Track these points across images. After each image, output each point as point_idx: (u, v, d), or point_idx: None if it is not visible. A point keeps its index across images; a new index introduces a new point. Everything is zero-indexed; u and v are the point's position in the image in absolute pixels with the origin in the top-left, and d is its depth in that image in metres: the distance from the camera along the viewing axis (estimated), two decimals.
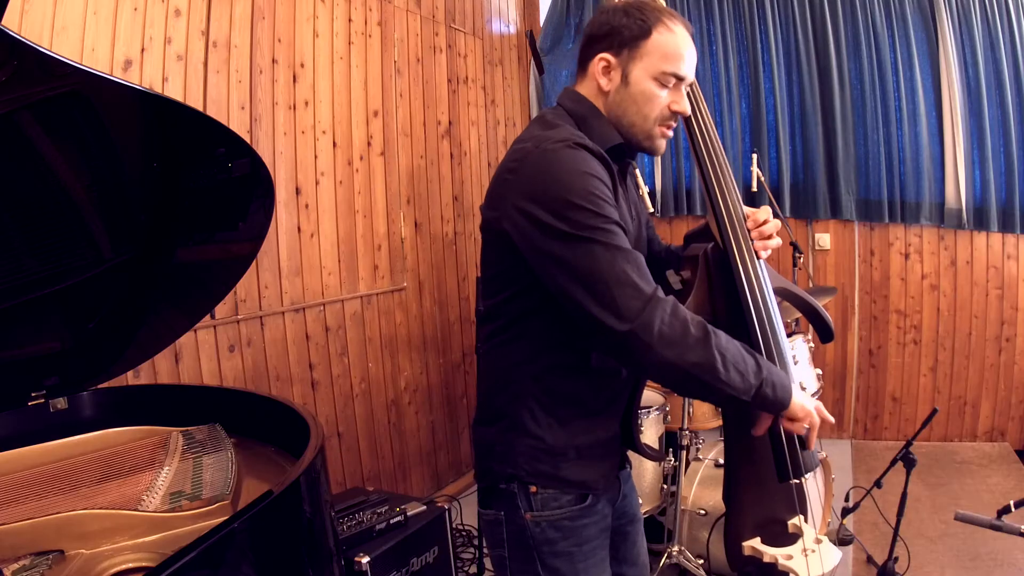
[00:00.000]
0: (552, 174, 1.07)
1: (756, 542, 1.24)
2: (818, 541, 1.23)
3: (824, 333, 1.37)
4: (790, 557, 1.20)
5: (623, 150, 1.21)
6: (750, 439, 1.23)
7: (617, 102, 1.20)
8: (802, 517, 1.27)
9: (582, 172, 1.07)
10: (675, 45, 1.17)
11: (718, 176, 1.26)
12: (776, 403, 1.09)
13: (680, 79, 1.18)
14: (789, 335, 2.15)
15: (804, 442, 1.18)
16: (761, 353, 1.18)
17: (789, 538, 1.26)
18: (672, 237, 4.03)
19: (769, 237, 1.27)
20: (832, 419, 1.19)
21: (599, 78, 1.20)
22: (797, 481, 1.22)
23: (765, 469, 1.22)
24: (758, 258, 1.25)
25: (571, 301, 1.06)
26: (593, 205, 1.05)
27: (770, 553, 1.21)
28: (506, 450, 1.20)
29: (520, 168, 1.11)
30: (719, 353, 1.03)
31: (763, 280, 1.22)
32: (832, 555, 1.22)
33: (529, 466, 1.19)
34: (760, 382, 1.06)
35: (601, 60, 1.19)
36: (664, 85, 1.18)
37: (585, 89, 1.24)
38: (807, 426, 1.14)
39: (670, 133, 1.23)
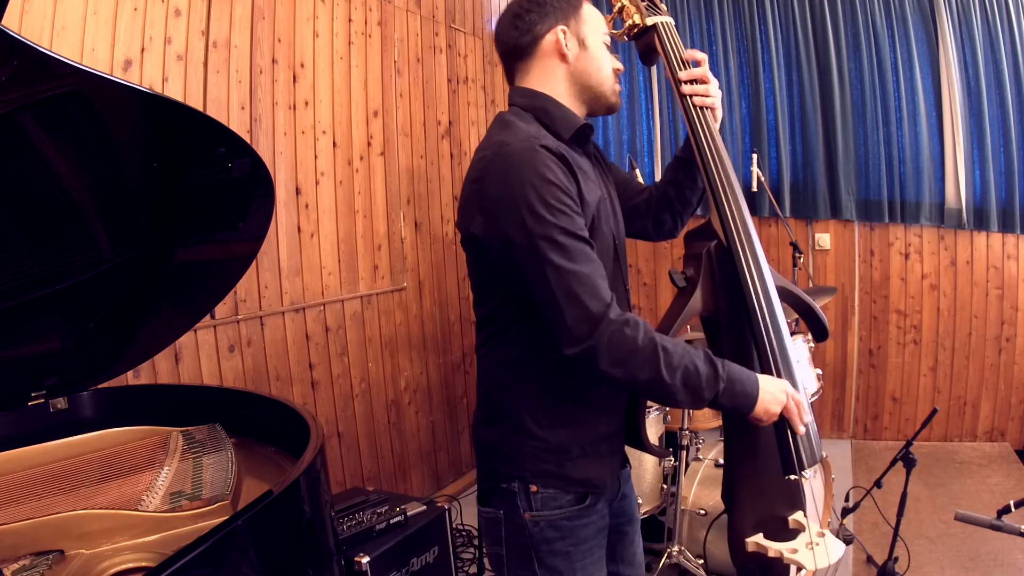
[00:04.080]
0: (511, 183, 1.08)
1: (759, 538, 1.24)
2: (821, 534, 1.23)
3: (818, 332, 1.38)
4: (795, 551, 1.20)
5: (587, 132, 1.26)
6: (749, 437, 1.23)
7: (582, 67, 1.25)
8: (802, 513, 1.27)
9: (542, 179, 1.08)
10: (597, 11, 1.30)
11: (720, 174, 1.26)
12: (735, 408, 1.12)
13: (610, 38, 1.31)
14: (790, 335, 2.16)
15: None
16: (764, 351, 1.19)
17: (791, 533, 1.26)
18: None
19: (702, 79, 1.30)
20: (807, 418, 1.19)
21: (562, 49, 1.23)
22: (795, 477, 1.22)
23: (765, 466, 1.23)
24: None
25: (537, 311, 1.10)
26: (551, 215, 1.06)
27: (775, 548, 1.21)
28: (511, 451, 1.21)
29: (483, 177, 1.13)
30: (667, 371, 1.06)
31: (766, 278, 1.22)
32: (837, 547, 1.22)
33: (533, 467, 1.19)
34: (715, 393, 1.09)
35: (561, 31, 1.23)
36: (607, 46, 1.28)
37: (535, 77, 1.26)
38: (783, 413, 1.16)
39: (620, 89, 1.32)
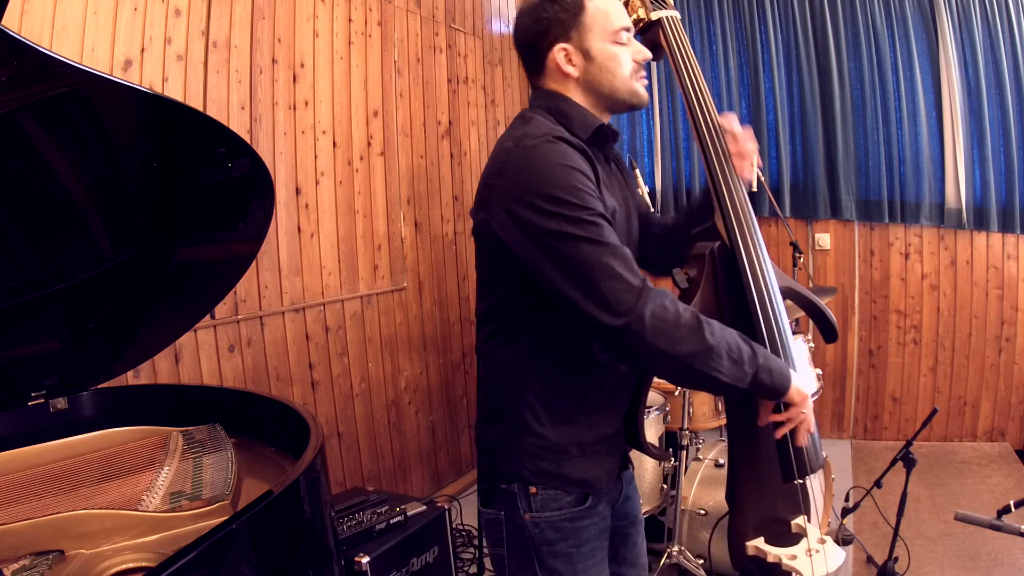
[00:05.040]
0: (534, 171, 1.08)
1: (760, 542, 1.23)
2: (822, 541, 1.23)
3: (828, 333, 1.37)
4: (794, 557, 1.20)
5: (605, 133, 1.24)
6: (753, 439, 1.23)
7: (591, 79, 1.22)
8: (805, 517, 1.26)
9: (563, 166, 1.08)
10: (606, 4, 1.22)
11: (724, 175, 1.26)
12: (773, 389, 1.10)
13: (628, 30, 1.24)
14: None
15: (794, 436, 1.17)
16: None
17: (792, 538, 1.25)
18: None
19: (748, 153, 1.29)
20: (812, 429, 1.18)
21: (564, 68, 1.21)
22: (801, 481, 1.21)
23: (768, 469, 1.22)
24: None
25: (564, 298, 1.07)
26: (576, 198, 1.06)
27: (774, 553, 1.21)
28: (510, 450, 1.20)
29: (503, 169, 1.12)
30: (712, 341, 1.04)
31: (769, 279, 1.22)
32: (836, 555, 1.21)
33: (532, 465, 1.19)
34: (756, 369, 1.07)
35: (560, 51, 1.21)
36: (620, 42, 1.22)
37: (549, 84, 1.25)
38: (799, 419, 1.14)
39: (646, 81, 1.27)
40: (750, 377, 1.07)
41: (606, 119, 1.27)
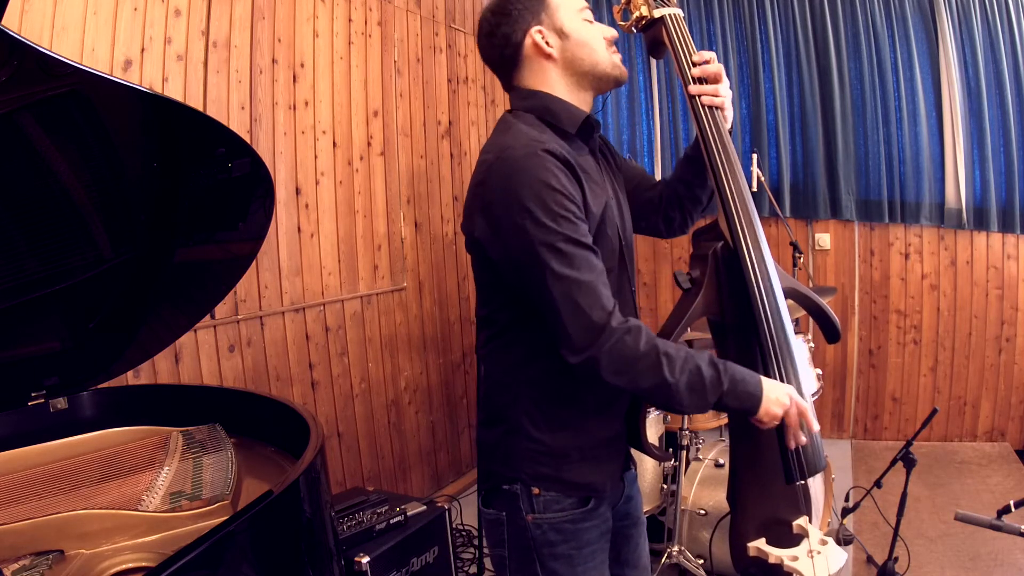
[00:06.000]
0: (513, 187, 1.07)
1: (761, 543, 1.23)
2: (823, 542, 1.22)
3: (831, 334, 1.36)
4: (795, 558, 1.20)
5: (591, 124, 1.24)
6: (755, 440, 1.22)
7: (571, 56, 1.22)
8: (807, 518, 1.26)
9: (543, 184, 1.06)
10: None
11: (728, 175, 1.25)
12: (742, 411, 1.12)
13: (591, 11, 1.26)
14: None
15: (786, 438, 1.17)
16: (768, 354, 1.18)
17: (794, 539, 1.25)
18: None
19: (714, 79, 1.26)
20: (814, 425, 1.17)
21: (543, 49, 1.21)
22: (803, 483, 1.21)
23: (769, 470, 1.22)
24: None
25: (540, 311, 1.11)
26: (552, 221, 1.05)
27: (775, 554, 1.20)
28: (508, 453, 1.20)
29: (485, 181, 1.12)
30: (670, 378, 1.06)
31: (772, 280, 1.21)
32: (838, 556, 1.21)
33: (531, 469, 1.19)
34: (720, 396, 1.09)
35: (537, 33, 1.20)
36: (587, 19, 1.24)
37: (531, 80, 1.24)
38: (790, 424, 1.14)
39: (620, 56, 1.27)
40: (712, 404, 1.10)
41: (591, 100, 1.27)
